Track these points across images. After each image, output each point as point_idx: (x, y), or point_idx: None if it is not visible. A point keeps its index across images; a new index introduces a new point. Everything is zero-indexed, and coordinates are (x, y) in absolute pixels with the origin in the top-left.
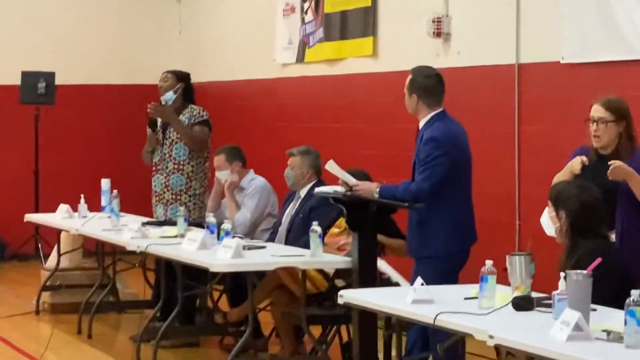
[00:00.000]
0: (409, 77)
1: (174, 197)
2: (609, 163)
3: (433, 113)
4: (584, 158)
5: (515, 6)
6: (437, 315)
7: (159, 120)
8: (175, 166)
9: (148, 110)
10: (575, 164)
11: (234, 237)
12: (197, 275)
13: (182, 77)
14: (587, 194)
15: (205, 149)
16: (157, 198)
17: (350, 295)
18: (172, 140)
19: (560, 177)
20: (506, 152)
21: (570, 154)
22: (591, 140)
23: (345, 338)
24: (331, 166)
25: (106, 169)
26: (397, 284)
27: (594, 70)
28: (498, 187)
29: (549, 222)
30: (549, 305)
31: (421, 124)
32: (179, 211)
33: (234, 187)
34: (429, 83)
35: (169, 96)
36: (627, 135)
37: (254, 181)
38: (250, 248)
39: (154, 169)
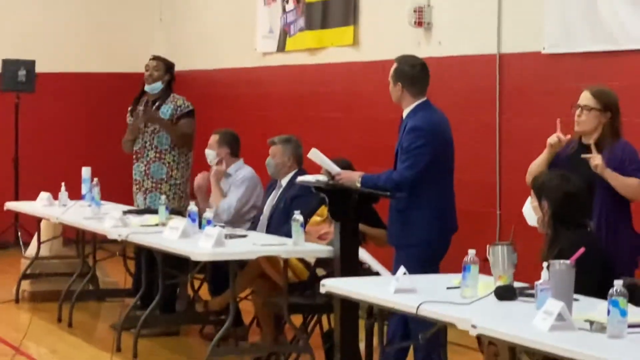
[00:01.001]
0: (394, 65)
1: (154, 185)
2: (583, 156)
3: (417, 102)
4: (561, 135)
5: None
6: (419, 305)
7: (140, 109)
8: (157, 155)
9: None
10: (552, 136)
11: (215, 225)
12: (178, 263)
13: (169, 67)
14: (570, 184)
15: (190, 144)
16: (137, 186)
17: (332, 284)
18: (154, 128)
19: (536, 163)
20: (487, 142)
21: None
22: (574, 127)
23: (326, 327)
24: (315, 154)
25: (87, 157)
26: (377, 274)
27: (576, 61)
28: (479, 176)
29: (531, 212)
30: (532, 295)
31: (405, 112)
32: (160, 199)
33: (219, 175)
34: (414, 72)
35: (156, 86)
36: (611, 128)
37: (241, 170)
38: (231, 237)
39: (134, 157)
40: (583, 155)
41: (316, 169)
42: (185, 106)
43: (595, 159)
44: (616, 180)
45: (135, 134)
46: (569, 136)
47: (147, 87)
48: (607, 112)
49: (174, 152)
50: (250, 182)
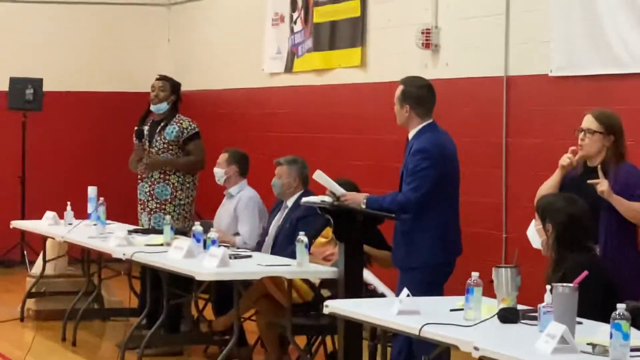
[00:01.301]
0: (400, 87)
1: (158, 206)
2: (589, 182)
3: (423, 124)
4: (572, 156)
5: (504, 18)
6: (422, 327)
7: (145, 129)
8: (162, 176)
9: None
10: (564, 157)
11: (219, 246)
12: (182, 283)
13: (176, 88)
14: (574, 206)
15: (203, 169)
16: (142, 206)
17: (336, 305)
18: (159, 149)
19: (547, 185)
20: (494, 164)
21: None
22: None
23: (330, 348)
24: (319, 175)
25: (93, 177)
26: (382, 295)
27: (583, 84)
28: (485, 198)
29: (535, 235)
30: (535, 318)
31: (411, 134)
32: (165, 219)
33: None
34: (422, 93)
35: (162, 107)
36: (615, 151)
37: (244, 192)
38: (236, 257)
39: (139, 177)
40: (589, 181)
41: (321, 190)
42: (191, 128)
43: (602, 185)
44: (622, 205)
45: (140, 155)
46: (578, 157)
47: (152, 107)
48: (610, 135)
49: (178, 174)
50: (256, 204)
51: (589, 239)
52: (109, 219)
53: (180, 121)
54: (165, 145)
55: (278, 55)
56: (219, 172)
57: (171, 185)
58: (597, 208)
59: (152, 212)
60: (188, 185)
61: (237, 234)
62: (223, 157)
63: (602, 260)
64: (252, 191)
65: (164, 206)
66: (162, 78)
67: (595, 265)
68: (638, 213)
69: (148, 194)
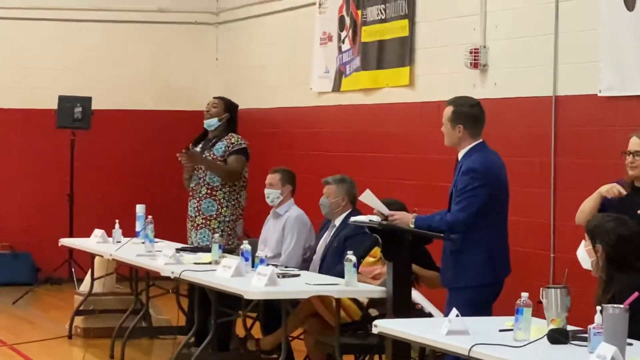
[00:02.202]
0: (451, 108)
1: (204, 222)
2: None
3: (474, 144)
4: (620, 188)
5: (553, 38)
6: (472, 347)
7: (198, 148)
8: (209, 191)
9: (178, 159)
10: (609, 188)
11: (268, 264)
12: (230, 302)
13: (230, 107)
14: (624, 227)
15: (239, 180)
16: (191, 223)
17: (384, 325)
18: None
19: (588, 202)
20: (542, 183)
21: None
22: (627, 172)
23: None
24: (367, 196)
25: (141, 195)
26: (430, 315)
27: (632, 104)
28: (533, 218)
29: (585, 255)
30: (585, 339)
31: (461, 154)
32: (214, 237)
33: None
34: (475, 112)
35: (212, 122)
36: None
37: (291, 211)
38: (284, 276)
39: (190, 194)
40: None
41: (369, 209)
42: (238, 144)
43: None
44: None
45: (190, 172)
46: (628, 178)
47: (205, 123)
48: None
49: (225, 189)
50: (303, 224)
51: (639, 259)
52: (157, 237)
53: (230, 137)
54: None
55: (326, 75)
56: (274, 193)
57: (217, 202)
58: None
59: (198, 228)
60: (233, 202)
61: None
62: (274, 177)
63: None
64: (299, 210)
65: (209, 222)
66: (218, 97)
67: None
68: None
69: (196, 209)
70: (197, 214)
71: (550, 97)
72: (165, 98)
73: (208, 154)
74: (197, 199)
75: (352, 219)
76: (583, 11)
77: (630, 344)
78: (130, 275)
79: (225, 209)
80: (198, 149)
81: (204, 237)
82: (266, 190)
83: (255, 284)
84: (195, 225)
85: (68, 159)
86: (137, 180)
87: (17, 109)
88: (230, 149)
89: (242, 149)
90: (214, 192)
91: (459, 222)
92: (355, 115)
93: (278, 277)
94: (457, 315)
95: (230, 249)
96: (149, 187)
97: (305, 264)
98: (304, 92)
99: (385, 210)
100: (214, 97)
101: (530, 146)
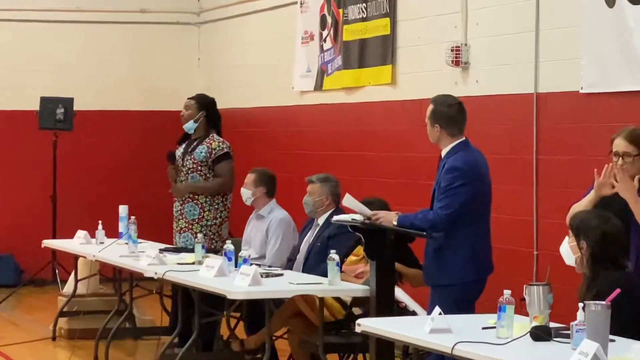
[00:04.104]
0: (430, 107)
1: (187, 225)
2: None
3: (456, 142)
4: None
5: (534, 35)
6: (455, 345)
7: (180, 149)
8: (191, 195)
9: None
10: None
11: (251, 264)
12: (214, 302)
13: (204, 105)
14: (609, 224)
15: (232, 188)
16: (175, 224)
17: (367, 324)
18: (189, 168)
19: (578, 206)
20: (524, 181)
21: (588, 188)
22: (614, 172)
23: None
24: (348, 201)
25: (124, 196)
26: (414, 313)
27: (613, 100)
28: (516, 215)
29: (568, 252)
30: (567, 336)
31: (443, 152)
32: (198, 237)
33: None
34: (451, 112)
35: (189, 126)
36: None
37: (275, 212)
38: (267, 275)
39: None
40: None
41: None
42: (219, 149)
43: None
44: None
45: (174, 177)
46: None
47: (184, 128)
48: None
49: (207, 193)
50: (286, 226)
51: (624, 256)
52: (140, 238)
53: (211, 141)
54: (194, 165)
55: (308, 74)
56: (246, 193)
57: (199, 206)
58: (627, 223)
59: (181, 231)
60: (217, 206)
61: None
62: (250, 177)
63: (634, 276)
64: (284, 212)
65: (191, 226)
66: (191, 98)
67: (630, 283)
68: None
69: (179, 212)
70: (180, 217)
71: (532, 95)
72: (147, 98)
73: (189, 158)
74: (180, 202)
75: (335, 218)
76: (564, 8)
77: (613, 340)
78: (114, 276)
79: (207, 212)
80: (180, 151)
81: (187, 240)
82: (241, 189)
83: (238, 283)
84: (179, 228)
85: (51, 160)
86: (120, 181)
87: None
88: (213, 155)
89: (224, 154)
90: (196, 196)
91: (441, 220)
92: (338, 114)
93: (261, 276)
94: (440, 313)
95: (214, 250)
96: (132, 188)
97: (289, 264)
98: (286, 91)
99: (367, 212)
100: (187, 98)
101: (512, 143)
